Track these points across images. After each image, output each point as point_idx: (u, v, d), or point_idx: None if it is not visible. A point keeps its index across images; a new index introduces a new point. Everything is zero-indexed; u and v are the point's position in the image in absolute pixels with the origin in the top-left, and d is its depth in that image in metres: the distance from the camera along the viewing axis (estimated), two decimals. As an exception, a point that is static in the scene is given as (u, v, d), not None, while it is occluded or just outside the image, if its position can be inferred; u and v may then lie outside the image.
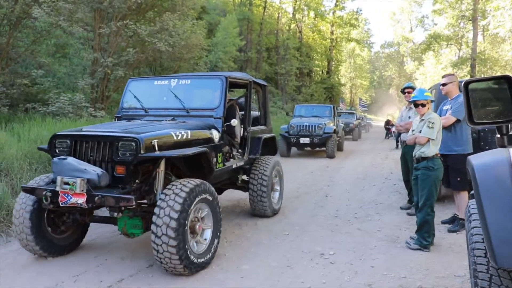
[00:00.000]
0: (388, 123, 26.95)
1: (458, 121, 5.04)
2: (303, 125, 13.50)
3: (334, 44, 46.70)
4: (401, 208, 6.41)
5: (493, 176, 2.11)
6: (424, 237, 4.39)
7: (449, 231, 5.13)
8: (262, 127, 6.29)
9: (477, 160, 2.31)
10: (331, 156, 13.50)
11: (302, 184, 8.72)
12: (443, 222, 5.44)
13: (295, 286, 3.58)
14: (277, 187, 6.18)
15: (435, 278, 3.67)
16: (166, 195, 3.54)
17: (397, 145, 17.95)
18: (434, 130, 4.38)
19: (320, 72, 47.12)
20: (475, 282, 2.23)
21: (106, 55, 11.41)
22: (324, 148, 13.91)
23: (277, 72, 35.85)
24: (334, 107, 16.10)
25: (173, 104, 4.96)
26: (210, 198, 3.90)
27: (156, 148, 3.65)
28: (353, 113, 26.25)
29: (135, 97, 5.18)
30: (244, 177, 5.87)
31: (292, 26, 40.97)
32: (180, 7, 13.93)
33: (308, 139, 13.28)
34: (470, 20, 34.51)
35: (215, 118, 4.69)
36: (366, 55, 68.30)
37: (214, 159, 4.50)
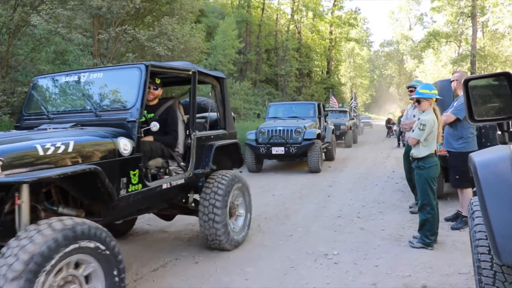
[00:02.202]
0: (389, 121, 27.00)
1: (458, 119, 5.04)
2: (276, 130, 10.37)
3: (333, 44, 46.72)
4: (410, 207, 6.32)
5: (495, 173, 2.11)
6: (426, 236, 4.39)
7: (452, 228, 5.13)
8: (219, 131, 4.95)
9: (479, 157, 2.31)
10: (314, 170, 10.29)
11: (304, 185, 8.73)
12: (447, 220, 5.43)
13: (299, 287, 3.57)
14: (241, 210, 4.85)
15: (439, 276, 3.66)
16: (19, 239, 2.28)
17: (399, 144, 17.95)
18: (423, 132, 4.37)
19: (320, 72, 47.15)
20: (479, 279, 2.23)
21: (106, 61, 11.43)
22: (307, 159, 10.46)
23: (277, 74, 35.88)
24: (320, 104, 12.57)
25: (82, 106, 3.90)
26: (99, 248, 2.57)
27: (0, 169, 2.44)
28: (345, 112, 21.04)
29: (38, 100, 4.15)
30: (197, 196, 4.63)
31: (291, 27, 41.01)
32: (179, 11, 13.95)
33: (282, 148, 10.11)
34: (469, 16, 34.53)
35: (129, 121, 3.44)
36: (365, 54, 68.32)
37: (124, 179, 3.26)
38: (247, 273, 3.90)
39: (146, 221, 6.00)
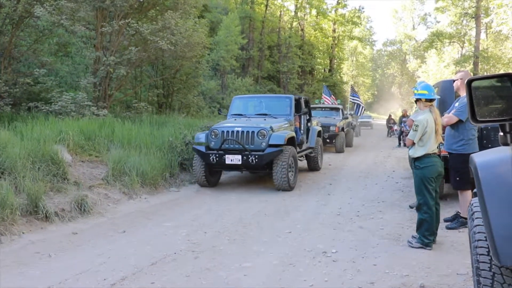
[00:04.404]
0: (389, 120, 26.97)
1: (461, 121, 5.03)
2: (232, 131, 7.79)
3: (336, 42, 46.55)
4: (411, 207, 6.31)
5: (495, 174, 2.11)
6: (425, 236, 4.40)
7: (447, 228, 5.16)
8: None
9: (480, 158, 2.31)
10: (282, 187, 7.64)
11: (304, 183, 8.73)
12: (446, 220, 5.43)
13: (297, 284, 3.58)
14: None
15: (437, 276, 3.67)
16: None
17: (399, 144, 17.94)
18: (417, 133, 4.42)
19: (322, 70, 47.00)
20: (477, 280, 2.23)
21: (108, 54, 11.40)
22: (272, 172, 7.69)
23: (279, 70, 35.80)
24: (300, 99, 9.72)
25: None
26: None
27: None
28: (337, 109, 17.35)
29: None
30: None
31: (294, 24, 40.89)
32: (182, 5, 13.89)
33: (239, 156, 7.52)
34: (473, 17, 34.36)
35: None
36: (368, 53, 68.08)
37: None
38: (245, 269, 3.90)
39: (145, 215, 6.01)
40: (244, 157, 7.50)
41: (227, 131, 7.82)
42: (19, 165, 5.74)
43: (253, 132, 7.71)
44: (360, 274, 3.77)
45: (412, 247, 4.44)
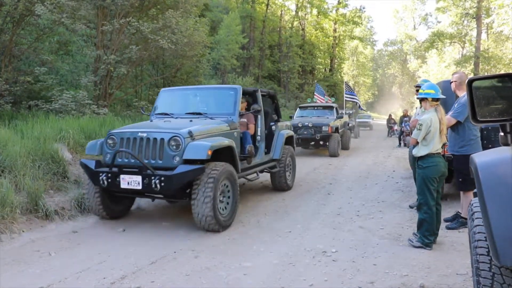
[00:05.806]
0: (389, 120, 26.96)
1: (459, 122, 5.03)
2: (134, 139, 5.14)
3: (337, 41, 46.56)
4: (411, 207, 6.33)
5: (496, 175, 2.11)
6: (425, 236, 4.40)
7: (447, 228, 5.16)
8: None
9: (480, 158, 2.30)
10: (206, 226, 4.94)
11: (304, 182, 8.72)
12: (446, 220, 5.43)
13: (297, 283, 3.58)
14: None
15: (437, 276, 3.67)
16: None
17: (400, 144, 17.94)
18: (420, 132, 4.42)
19: (323, 69, 47.01)
20: (477, 281, 2.23)
21: (109, 53, 11.39)
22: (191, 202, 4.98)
23: (280, 70, 35.84)
24: (255, 92, 7.09)
25: None
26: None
27: None
28: (331, 108, 15.47)
29: None
30: None
31: (295, 23, 40.90)
32: (183, 4, 13.89)
33: (138, 178, 4.88)
34: (474, 18, 34.35)
35: None
36: (369, 53, 68.01)
37: None
38: (245, 268, 3.90)
39: (145, 214, 6.01)
40: (146, 180, 4.85)
41: (127, 138, 5.19)
42: (19, 163, 5.75)
43: (162, 139, 5.02)
44: (360, 273, 3.77)
45: (413, 245, 4.45)
